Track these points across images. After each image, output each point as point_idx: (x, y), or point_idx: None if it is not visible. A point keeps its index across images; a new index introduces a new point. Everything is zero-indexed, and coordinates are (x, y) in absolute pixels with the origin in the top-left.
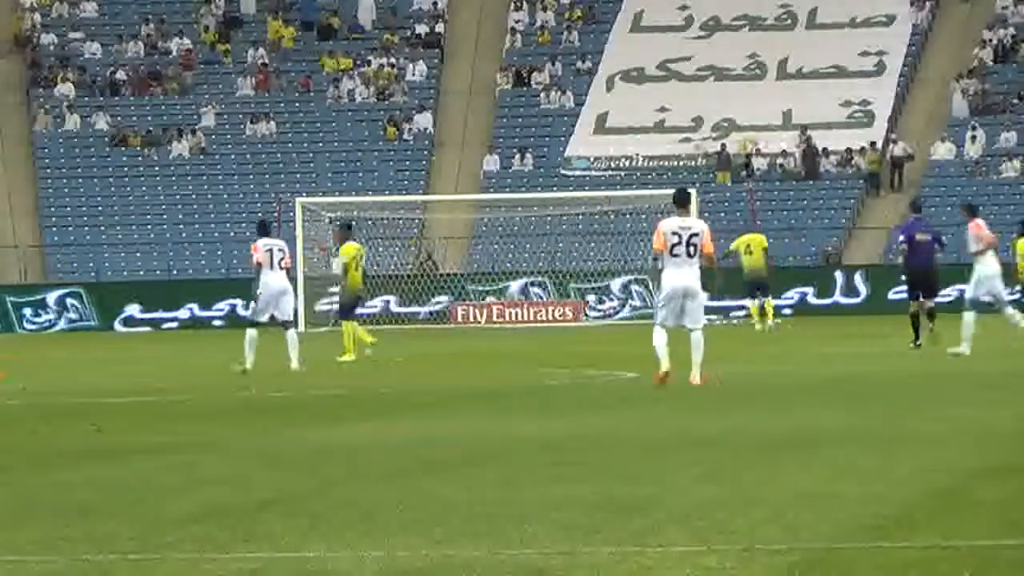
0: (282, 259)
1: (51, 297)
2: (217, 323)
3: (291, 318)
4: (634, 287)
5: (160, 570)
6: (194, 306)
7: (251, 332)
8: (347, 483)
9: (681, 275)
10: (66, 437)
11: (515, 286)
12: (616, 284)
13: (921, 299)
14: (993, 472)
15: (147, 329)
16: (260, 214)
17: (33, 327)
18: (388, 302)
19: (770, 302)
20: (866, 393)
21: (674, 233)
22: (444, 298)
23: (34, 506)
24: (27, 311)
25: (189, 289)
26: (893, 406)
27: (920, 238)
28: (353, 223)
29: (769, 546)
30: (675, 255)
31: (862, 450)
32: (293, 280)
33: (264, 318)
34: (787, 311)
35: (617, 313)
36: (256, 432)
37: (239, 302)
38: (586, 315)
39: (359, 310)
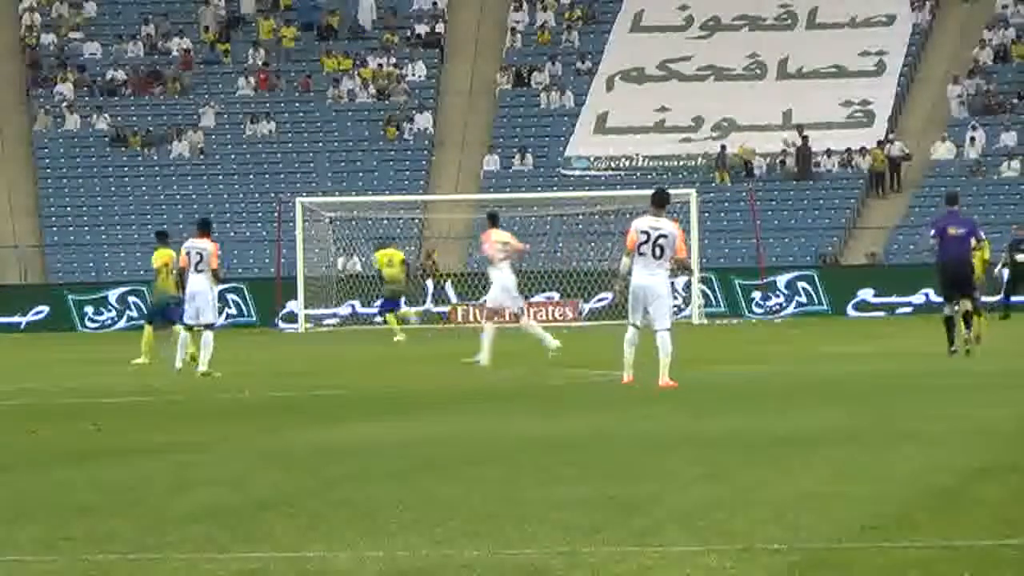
0: (199, 262)
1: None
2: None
3: (210, 320)
4: (800, 283)
5: (160, 570)
6: (356, 303)
7: (184, 334)
8: (347, 483)
9: (645, 275)
10: (66, 437)
11: (782, 280)
12: (782, 281)
13: (958, 300)
14: (993, 472)
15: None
16: (260, 214)
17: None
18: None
19: (408, 311)
20: (866, 393)
21: (643, 232)
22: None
23: (34, 506)
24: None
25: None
26: (893, 406)
27: (953, 232)
28: (166, 231)
29: (769, 546)
30: (641, 254)
31: (862, 450)
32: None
33: (190, 320)
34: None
35: (783, 309)
36: (256, 432)
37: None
38: (751, 312)
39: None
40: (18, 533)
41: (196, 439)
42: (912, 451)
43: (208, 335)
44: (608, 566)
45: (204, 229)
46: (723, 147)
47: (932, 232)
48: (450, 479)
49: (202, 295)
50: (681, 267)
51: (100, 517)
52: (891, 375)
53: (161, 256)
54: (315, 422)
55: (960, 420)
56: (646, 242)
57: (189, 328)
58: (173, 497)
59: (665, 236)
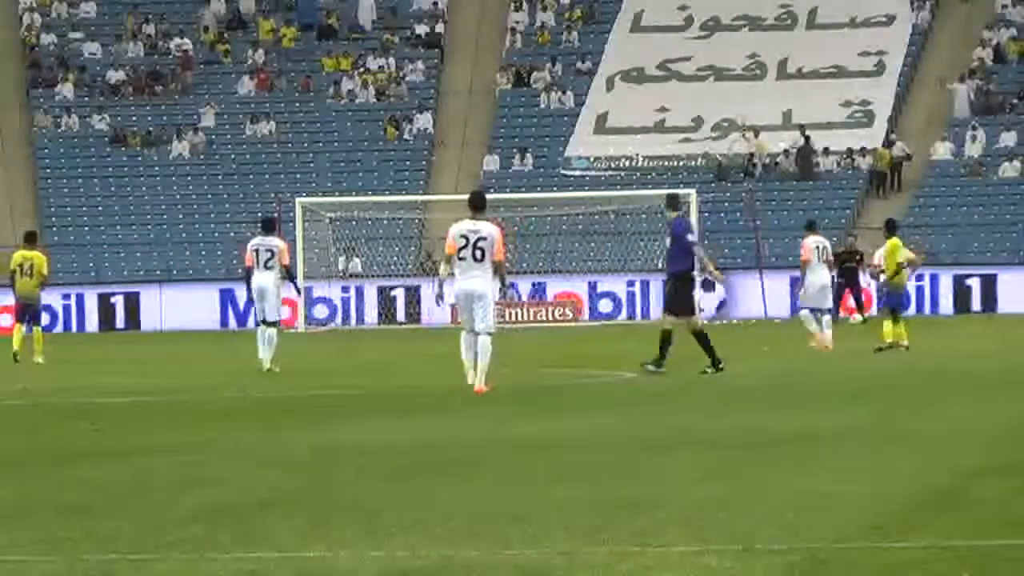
0: (268, 259)
1: None
2: None
3: (273, 318)
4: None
5: (160, 570)
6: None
7: (266, 331)
8: (347, 483)
9: (467, 279)
10: (66, 437)
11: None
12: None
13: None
14: (993, 472)
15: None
16: (260, 214)
17: None
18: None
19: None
20: (865, 393)
21: (462, 236)
22: None
23: (35, 506)
24: None
25: None
26: (892, 406)
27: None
28: (35, 232)
29: (769, 546)
30: (461, 258)
31: (862, 450)
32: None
33: (261, 317)
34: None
35: None
36: (256, 432)
37: None
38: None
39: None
40: (18, 533)
41: (196, 439)
42: (911, 451)
43: (272, 331)
44: (609, 566)
45: (271, 227)
46: (720, 163)
47: (691, 238)
48: (450, 479)
49: (271, 292)
50: (497, 269)
51: (100, 517)
52: (889, 375)
53: (16, 259)
54: (315, 422)
55: (959, 420)
56: (465, 246)
57: (263, 323)
58: (173, 497)
59: (484, 238)
